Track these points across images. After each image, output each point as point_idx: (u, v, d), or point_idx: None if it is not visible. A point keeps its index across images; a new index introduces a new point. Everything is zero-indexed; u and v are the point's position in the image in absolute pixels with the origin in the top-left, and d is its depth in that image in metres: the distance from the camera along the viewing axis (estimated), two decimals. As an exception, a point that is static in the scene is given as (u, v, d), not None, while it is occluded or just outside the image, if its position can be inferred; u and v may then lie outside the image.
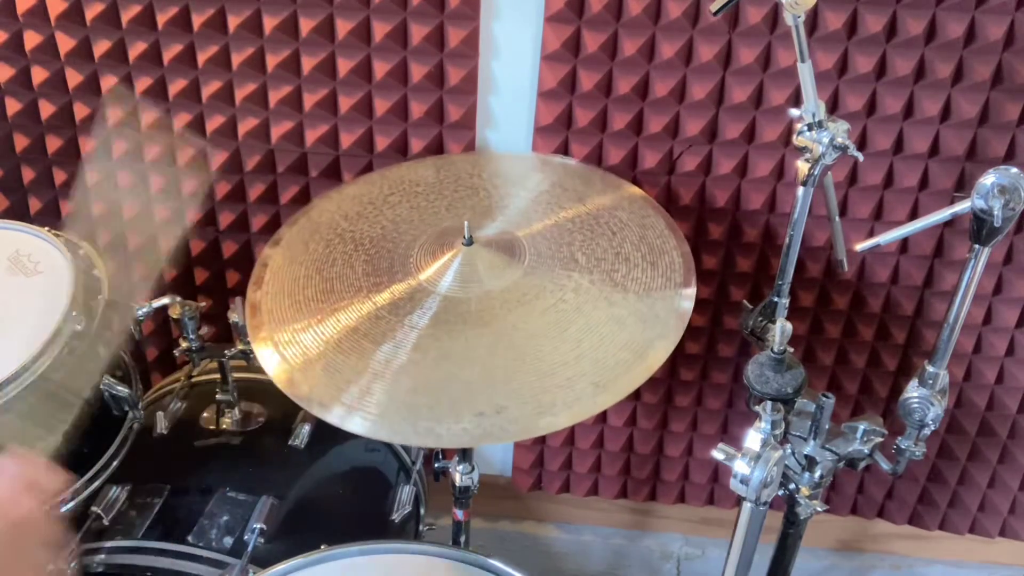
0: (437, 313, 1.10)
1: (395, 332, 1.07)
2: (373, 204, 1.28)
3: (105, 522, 1.19)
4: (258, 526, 1.17)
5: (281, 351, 1.07)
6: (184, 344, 1.32)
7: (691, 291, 1.12)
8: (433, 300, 1.11)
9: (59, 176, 1.53)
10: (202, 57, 1.39)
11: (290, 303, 1.13)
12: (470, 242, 1.16)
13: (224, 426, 1.33)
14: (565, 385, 1.01)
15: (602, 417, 1.68)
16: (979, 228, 0.95)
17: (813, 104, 1.03)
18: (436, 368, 1.04)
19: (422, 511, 1.42)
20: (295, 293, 1.14)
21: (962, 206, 0.94)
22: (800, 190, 1.08)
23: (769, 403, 0.97)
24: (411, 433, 0.99)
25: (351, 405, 1.00)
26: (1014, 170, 0.91)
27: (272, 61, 1.38)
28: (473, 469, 1.27)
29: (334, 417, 1.00)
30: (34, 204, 1.56)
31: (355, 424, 0.99)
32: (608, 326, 1.08)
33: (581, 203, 1.27)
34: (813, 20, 1.26)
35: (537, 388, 1.01)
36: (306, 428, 1.32)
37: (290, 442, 1.31)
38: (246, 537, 1.17)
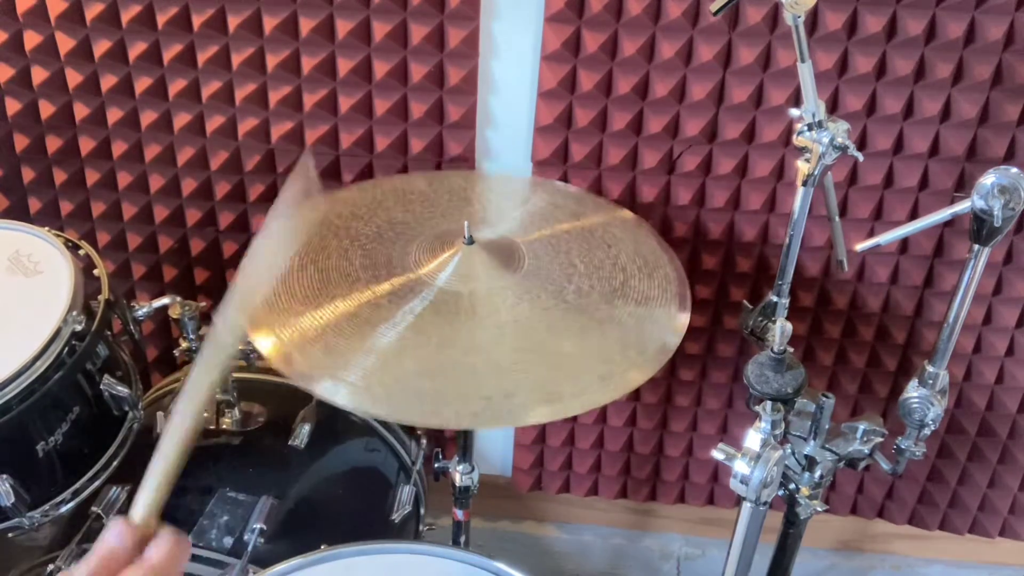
0: (436, 305, 1.10)
1: (395, 318, 1.07)
2: (368, 207, 1.28)
3: (105, 522, 1.18)
4: (258, 526, 1.17)
5: (276, 333, 1.06)
6: (184, 344, 1.32)
7: (685, 316, 1.13)
8: (431, 292, 1.12)
9: (59, 176, 1.53)
10: (202, 57, 1.39)
11: (284, 289, 1.13)
12: (471, 241, 1.16)
13: (224, 426, 1.33)
14: (570, 378, 1.02)
15: (602, 417, 1.68)
16: (979, 228, 0.95)
17: (813, 104, 1.03)
18: (439, 353, 1.04)
19: (422, 511, 1.42)
20: (290, 281, 1.14)
21: (962, 206, 0.94)
22: (800, 190, 1.08)
23: (769, 403, 0.97)
24: (416, 414, 0.99)
25: (352, 383, 1.00)
26: (1014, 170, 0.91)
27: (272, 61, 1.38)
28: (473, 469, 1.27)
29: (326, 391, 0.99)
30: (34, 204, 1.56)
31: (351, 399, 0.99)
32: (608, 326, 1.08)
33: (576, 220, 1.27)
34: (813, 20, 1.26)
35: (544, 379, 1.02)
36: (306, 428, 1.32)
37: (290, 442, 1.31)
38: (246, 537, 1.17)
